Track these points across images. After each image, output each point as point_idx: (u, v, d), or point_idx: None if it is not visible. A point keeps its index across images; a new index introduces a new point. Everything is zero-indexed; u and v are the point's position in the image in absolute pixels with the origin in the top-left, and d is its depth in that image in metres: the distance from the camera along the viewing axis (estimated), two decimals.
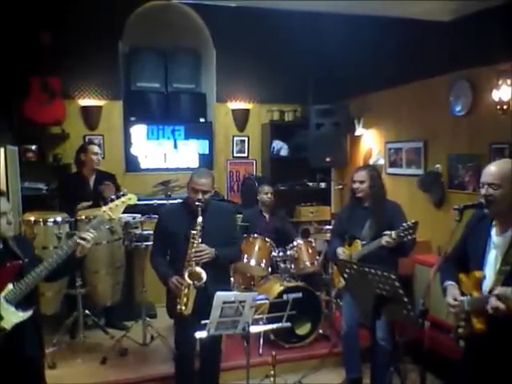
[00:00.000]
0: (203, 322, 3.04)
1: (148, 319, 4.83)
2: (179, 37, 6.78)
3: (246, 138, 7.19)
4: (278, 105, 7.12)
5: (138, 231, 4.81)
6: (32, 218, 4.57)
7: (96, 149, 5.26)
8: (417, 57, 5.28)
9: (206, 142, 7.03)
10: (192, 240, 3.42)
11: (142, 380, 4.27)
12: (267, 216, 5.49)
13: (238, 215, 5.89)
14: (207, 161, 7.02)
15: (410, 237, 3.57)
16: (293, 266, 4.93)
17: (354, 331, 4.04)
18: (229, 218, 3.84)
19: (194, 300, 3.41)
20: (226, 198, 6.96)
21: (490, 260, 2.62)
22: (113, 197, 3.12)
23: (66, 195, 5.13)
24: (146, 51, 6.71)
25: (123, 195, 3.13)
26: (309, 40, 6.75)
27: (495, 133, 4.33)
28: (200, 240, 3.44)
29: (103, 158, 5.51)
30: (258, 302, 3.15)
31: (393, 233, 3.59)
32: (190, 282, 3.39)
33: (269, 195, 5.43)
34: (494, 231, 2.66)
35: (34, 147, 6.01)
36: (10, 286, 2.67)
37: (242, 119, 7.10)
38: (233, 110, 7.08)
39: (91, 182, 5.20)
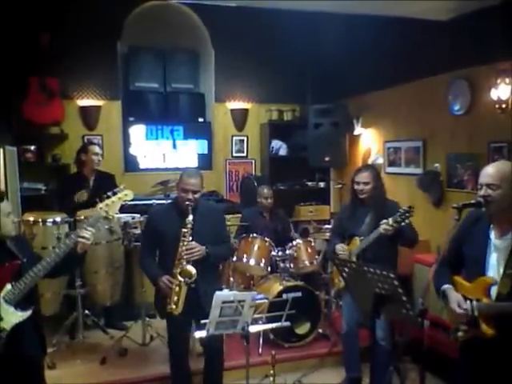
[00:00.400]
0: (203, 321, 3.04)
1: (147, 319, 4.83)
2: (178, 37, 6.78)
3: (245, 138, 7.20)
4: (277, 104, 7.13)
5: (137, 231, 4.81)
6: (31, 219, 4.57)
7: (97, 149, 5.26)
8: (415, 56, 5.29)
9: (205, 141, 7.04)
10: (183, 238, 3.44)
11: (142, 380, 4.27)
12: (267, 216, 5.48)
13: (238, 215, 5.92)
14: (206, 161, 7.03)
15: (406, 220, 3.56)
16: (292, 266, 4.93)
17: (354, 331, 4.05)
18: (219, 217, 3.85)
19: (184, 299, 3.42)
20: (224, 197, 6.97)
21: (492, 263, 2.62)
22: (109, 193, 3.08)
23: (65, 195, 5.13)
24: (145, 51, 6.72)
25: (119, 191, 3.10)
26: (307, 40, 6.76)
27: (494, 132, 4.34)
28: (190, 238, 3.46)
29: (102, 157, 5.50)
30: (258, 302, 3.15)
31: (390, 219, 3.60)
32: (181, 279, 3.39)
33: (269, 200, 5.40)
34: (492, 234, 2.65)
35: (32, 148, 6.02)
36: (9, 286, 2.67)
37: (240, 119, 7.11)
38: (231, 110, 7.08)
39: (91, 181, 5.20)
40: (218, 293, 3.02)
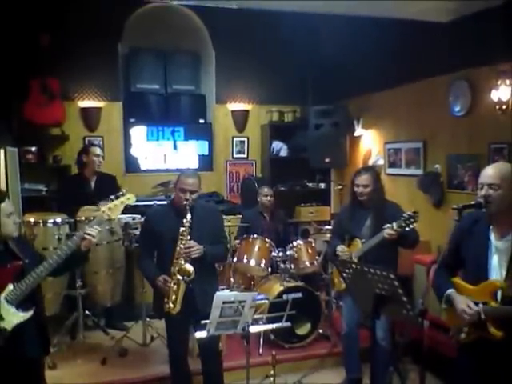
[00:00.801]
0: (203, 321, 3.04)
1: (148, 320, 4.82)
2: (179, 38, 6.79)
3: (246, 139, 7.20)
4: (278, 106, 7.14)
5: (137, 232, 4.80)
6: (32, 219, 4.57)
7: (98, 151, 5.27)
8: (416, 57, 5.29)
9: (206, 142, 7.05)
10: (181, 237, 3.45)
11: (143, 380, 4.28)
12: (267, 217, 5.49)
13: (238, 216, 5.93)
14: (207, 162, 7.04)
15: (411, 225, 3.56)
16: (292, 266, 4.93)
17: (354, 331, 4.05)
18: (216, 218, 3.87)
19: (182, 298, 3.42)
20: (225, 198, 6.98)
21: (494, 265, 2.62)
22: (112, 197, 3.16)
23: (66, 196, 5.14)
24: (146, 53, 6.73)
25: (122, 195, 3.19)
26: (308, 41, 6.76)
27: (494, 133, 4.34)
28: (189, 237, 3.47)
29: (103, 159, 5.50)
30: (258, 302, 3.15)
31: (394, 224, 3.60)
32: (179, 277, 3.40)
33: (268, 198, 5.43)
34: (492, 235, 2.65)
35: (33, 149, 6.03)
36: (11, 287, 2.68)
37: (241, 120, 7.12)
38: (232, 111, 7.09)
39: (92, 183, 5.21)
40: (218, 293, 3.02)
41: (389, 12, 4.67)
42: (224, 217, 4.38)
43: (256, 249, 4.98)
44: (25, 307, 2.70)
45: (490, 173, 2.63)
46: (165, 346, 4.49)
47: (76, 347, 4.72)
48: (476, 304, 2.57)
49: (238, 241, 5.15)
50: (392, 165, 5.85)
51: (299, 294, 4.53)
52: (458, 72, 4.72)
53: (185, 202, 3.48)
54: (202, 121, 7.04)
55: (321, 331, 4.89)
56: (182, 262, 3.43)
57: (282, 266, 4.94)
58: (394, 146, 5.80)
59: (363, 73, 6.17)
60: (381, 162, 6.04)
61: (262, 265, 4.96)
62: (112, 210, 3.10)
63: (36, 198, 5.85)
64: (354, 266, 3.03)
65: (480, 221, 2.71)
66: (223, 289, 4.45)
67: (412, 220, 3.55)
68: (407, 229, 3.58)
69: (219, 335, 3.37)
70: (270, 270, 5.05)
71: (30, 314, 2.71)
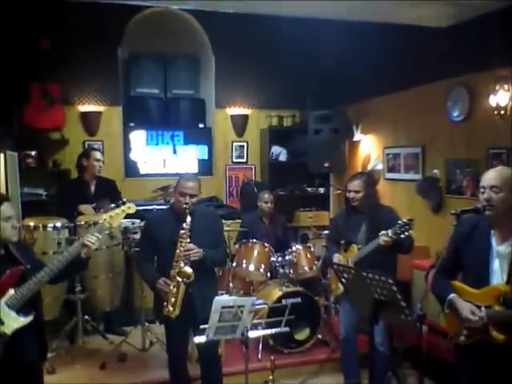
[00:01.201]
0: (202, 326, 3.05)
1: (147, 324, 4.82)
2: (178, 43, 6.82)
3: (245, 144, 7.22)
4: (277, 110, 7.15)
5: (137, 236, 4.81)
6: (31, 224, 4.58)
7: (98, 155, 5.28)
8: (415, 62, 5.31)
9: (205, 147, 7.06)
10: (181, 240, 3.46)
11: None
12: (267, 221, 5.49)
13: (238, 220, 5.93)
14: (206, 166, 7.05)
15: (406, 233, 3.58)
16: (292, 271, 4.93)
17: (351, 336, 4.05)
18: (215, 222, 3.88)
19: (181, 302, 3.43)
20: (224, 203, 6.98)
21: (495, 269, 2.63)
22: (113, 205, 3.20)
23: (66, 200, 5.14)
24: (146, 57, 6.75)
25: (123, 203, 3.23)
26: (307, 46, 6.77)
27: (493, 138, 4.35)
28: (188, 240, 3.48)
29: (103, 163, 5.51)
30: (257, 307, 3.16)
31: (389, 231, 3.62)
32: (179, 279, 3.41)
33: (269, 204, 5.41)
34: (493, 240, 2.66)
35: (33, 153, 6.03)
36: (12, 292, 2.68)
37: (240, 125, 7.13)
38: (232, 116, 7.11)
39: (92, 187, 5.21)
40: (217, 298, 3.03)
41: (388, 17, 4.68)
42: (223, 221, 4.39)
43: (255, 254, 4.98)
44: (25, 312, 2.70)
45: (491, 175, 2.65)
46: (164, 350, 4.49)
47: (75, 352, 4.72)
48: (478, 307, 2.59)
49: (237, 245, 5.15)
50: (391, 170, 5.86)
51: (298, 299, 4.52)
52: (456, 77, 4.73)
53: (184, 206, 3.49)
54: (201, 125, 7.06)
55: (320, 336, 4.88)
56: (182, 265, 3.43)
57: (281, 270, 4.94)
58: (393, 150, 5.81)
59: (362, 78, 6.19)
60: (380, 166, 6.05)
61: (261, 270, 4.96)
62: (113, 218, 3.15)
63: (36, 203, 5.85)
64: (352, 271, 3.04)
65: (480, 225, 2.72)
66: (222, 293, 4.45)
67: (407, 227, 3.58)
68: (402, 236, 3.60)
69: (218, 340, 3.37)
70: (269, 274, 5.05)
71: (30, 318, 2.71)
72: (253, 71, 6.88)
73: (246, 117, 7.14)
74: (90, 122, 6.44)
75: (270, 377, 3.21)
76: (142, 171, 6.81)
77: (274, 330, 3.33)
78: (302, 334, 4.76)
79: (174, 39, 6.76)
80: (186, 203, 3.50)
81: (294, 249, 4.98)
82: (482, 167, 4.34)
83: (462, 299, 2.68)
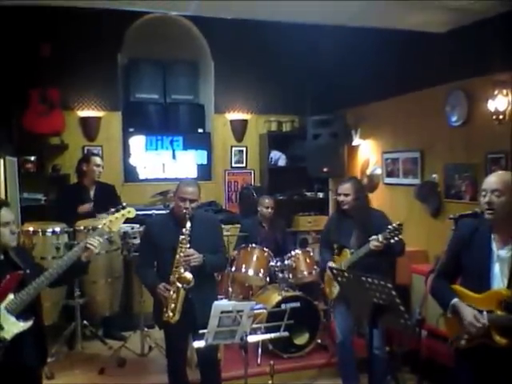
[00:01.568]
0: (201, 331, 3.05)
1: (146, 329, 4.80)
2: (177, 48, 6.84)
3: (244, 149, 7.23)
4: (276, 115, 7.17)
5: (136, 241, 4.81)
6: (31, 229, 4.59)
7: (98, 161, 5.29)
8: (413, 67, 5.32)
9: (205, 152, 7.07)
10: (180, 245, 3.46)
11: None
12: (266, 226, 5.49)
13: (237, 225, 5.93)
14: (205, 171, 7.06)
15: (396, 238, 3.64)
16: (291, 276, 4.92)
17: (348, 340, 4.04)
18: (215, 227, 3.88)
19: (181, 307, 3.42)
20: (224, 208, 6.99)
21: (496, 274, 2.64)
22: (113, 210, 3.19)
23: (66, 205, 5.14)
24: (145, 63, 6.77)
25: (123, 208, 3.23)
26: (306, 51, 6.80)
27: (491, 143, 4.36)
28: (188, 245, 3.48)
29: (103, 169, 5.53)
30: (256, 312, 3.16)
31: (379, 236, 3.67)
32: (179, 285, 3.40)
33: (269, 209, 5.40)
34: (494, 244, 2.67)
35: (33, 158, 6.05)
36: (11, 296, 2.69)
37: (240, 130, 7.15)
38: (231, 121, 7.12)
39: (91, 192, 5.22)
40: (216, 303, 3.02)
41: (388, 23, 4.70)
42: (222, 226, 4.39)
43: (254, 258, 4.98)
44: (24, 317, 2.70)
45: (493, 179, 2.67)
46: (163, 355, 4.49)
47: (74, 357, 4.72)
48: (480, 312, 2.60)
49: (236, 251, 5.15)
50: (390, 174, 5.87)
51: (297, 304, 4.53)
52: (455, 82, 4.74)
53: (184, 211, 3.49)
54: (200, 130, 7.08)
55: (319, 341, 4.87)
56: (182, 270, 3.44)
57: (280, 275, 4.93)
58: (392, 155, 5.82)
59: (361, 83, 6.20)
60: (378, 171, 6.06)
61: (261, 274, 4.96)
62: (113, 222, 3.16)
63: (35, 208, 5.86)
64: (351, 275, 3.04)
65: (480, 229, 2.73)
66: (221, 298, 4.45)
67: (397, 232, 3.64)
68: (392, 241, 3.66)
69: (217, 345, 3.37)
70: (268, 279, 5.04)
71: (29, 323, 2.71)
72: (252, 76, 6.90)
73: (245, 122, 7.15)
74: (89, 127, 6.45)
75: (270, 381, 3.21)
76: (142, 176, 6.82)
77: (273, 335, 3.34)
78: (301, 339, 4.75)
79: (174, 45, 6.78)
80: (186, 208, 3.50)
81: (293, 253, 4.98)
82: (481, 172, 4.36)
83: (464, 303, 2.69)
